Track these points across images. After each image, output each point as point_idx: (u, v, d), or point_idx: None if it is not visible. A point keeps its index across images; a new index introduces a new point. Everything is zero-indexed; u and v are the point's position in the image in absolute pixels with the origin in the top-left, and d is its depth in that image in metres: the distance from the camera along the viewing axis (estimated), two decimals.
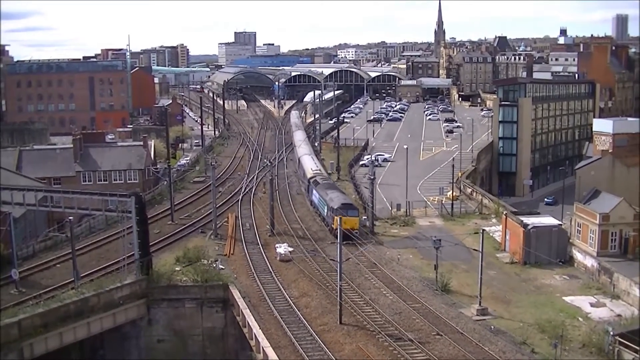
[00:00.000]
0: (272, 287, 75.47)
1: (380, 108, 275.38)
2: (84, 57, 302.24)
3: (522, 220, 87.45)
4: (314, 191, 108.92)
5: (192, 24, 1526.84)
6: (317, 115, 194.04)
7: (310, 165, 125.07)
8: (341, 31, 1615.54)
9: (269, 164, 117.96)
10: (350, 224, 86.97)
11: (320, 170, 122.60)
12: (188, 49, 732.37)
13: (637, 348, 55.42)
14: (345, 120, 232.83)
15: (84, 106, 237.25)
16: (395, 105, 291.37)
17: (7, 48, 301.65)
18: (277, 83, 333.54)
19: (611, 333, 58.93)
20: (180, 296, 73.34)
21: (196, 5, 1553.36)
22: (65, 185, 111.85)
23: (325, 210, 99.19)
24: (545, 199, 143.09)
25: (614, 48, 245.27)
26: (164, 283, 73.98)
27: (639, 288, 71.83)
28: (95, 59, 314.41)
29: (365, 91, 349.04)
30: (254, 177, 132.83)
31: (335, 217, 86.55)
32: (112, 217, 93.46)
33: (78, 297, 66.76)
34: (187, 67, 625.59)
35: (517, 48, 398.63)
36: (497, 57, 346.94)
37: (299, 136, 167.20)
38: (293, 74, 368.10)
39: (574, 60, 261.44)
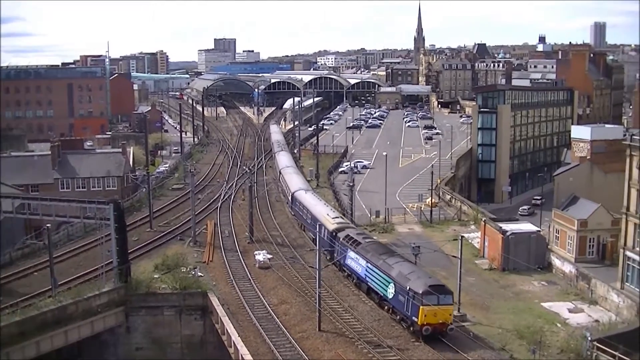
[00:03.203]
0: (251, 295, 75.24)
1: (360, 115, 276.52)
2: (62, 64, 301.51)
3: (500, 227, 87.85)
4: (355, 256, 75.58)
5: (172, 31, 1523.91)
6: (296, 122, 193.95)
7: (322, 208, 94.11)
8: (321, 38, 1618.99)
9: (248, 171, 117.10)
10: (442, 316, 61.43)
11: (343, 217, 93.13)
12: (167, 56, 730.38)
13: (615, 353, 55.65)
14: (325, 127, 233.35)
15: (63, 113, 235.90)
16: (375, 112, 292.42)
17: None
18: (256, 90, 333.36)
19: (589, 338, 59.19)
20: (158, 304, 72.98)
21: (176, 11, 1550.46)
22: (43, 192, 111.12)
23: (391, 291, 66.75)
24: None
25: (592, 55, 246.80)
26: (143, 291, 73.55)
27: (616, 294, 72.24)
28: (74, 66, 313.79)
29: (344, 98, 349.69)
30: (233, 184, 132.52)
31: (422, 307, 60.96)
32: (90, 225, 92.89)
33: (56, 305, 66.26)
34: (167, 73, 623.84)
35: (496, 55, 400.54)
36: (477, 64, 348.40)
37: (284, 160, 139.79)
38: (272, 80, 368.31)
39: (552, 67, 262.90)
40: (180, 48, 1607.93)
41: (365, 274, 72.89)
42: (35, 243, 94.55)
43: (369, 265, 71.65)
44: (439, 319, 61.00)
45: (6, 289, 78.72)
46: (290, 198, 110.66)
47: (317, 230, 77.82)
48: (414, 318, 62.25)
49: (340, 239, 79.52)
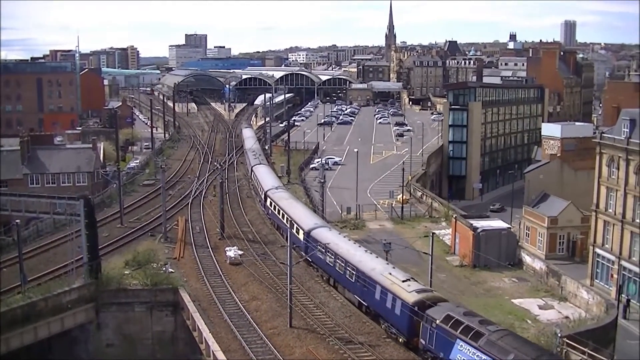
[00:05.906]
0: (222, 291, 75.01)
1: (331, 111, 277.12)
2: (32, 58, 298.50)
3: (471, 224, 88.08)
4: (474, 352, 49.66)
5: (143, 26, 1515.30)
6: (267, 119, 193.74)
7: (375, 264, 67.02)
8: (292, 34, 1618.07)
9: (219, 167, 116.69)
10: None
11: (416, 280, 63.35)
12: (138, 51, 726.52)
13: (585, 349, 55.97)
14: (296, 123, 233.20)
15: (32, 108, 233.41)
16: (346, 109, 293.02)
17: None
18: (227, 86, 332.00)
19: (559, 335, 59.43)
20: (129, 300, 72.58)
21: (147, 6, 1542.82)
22: (13, 187, 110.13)
23: None
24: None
25: (562, 53, 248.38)
26: (113, 287, 73.10)
27: (586, 290, 72.75)
28: (43, 60, 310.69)
29: (316, 94, 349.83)
30: (204, 180, 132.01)
31: None
32: (60, 220, 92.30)
33: (25, 302, 65.70)
34: (137, 69, 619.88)
35: (467, 52, 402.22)
36: (448, 61, 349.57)
37: (268, 179, 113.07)
38: (244, 76, 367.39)
39: (523, 65, 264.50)
40: (151, 43, 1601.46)
41: None
42: (4, 239, 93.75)
43: None
44: None
45: None
46: (302, 238, 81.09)
47: (387, 301, 61.47)
48: None
49: (438, 322, 54.29)
